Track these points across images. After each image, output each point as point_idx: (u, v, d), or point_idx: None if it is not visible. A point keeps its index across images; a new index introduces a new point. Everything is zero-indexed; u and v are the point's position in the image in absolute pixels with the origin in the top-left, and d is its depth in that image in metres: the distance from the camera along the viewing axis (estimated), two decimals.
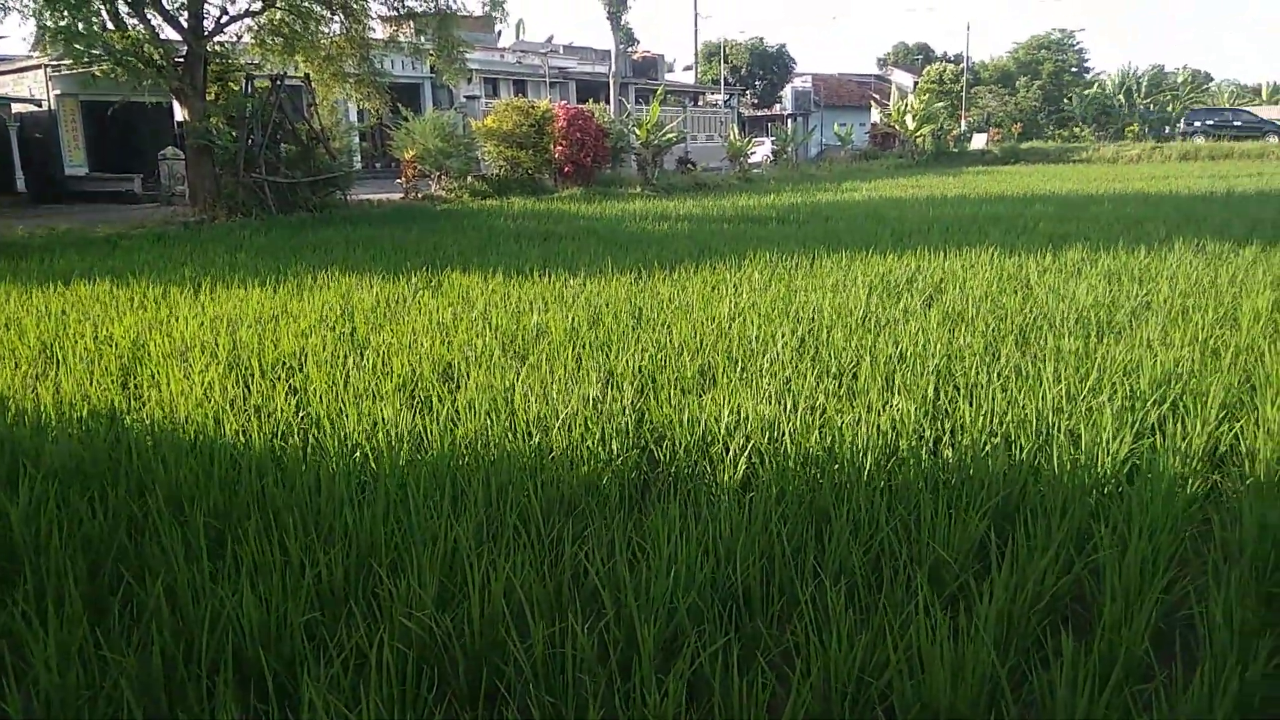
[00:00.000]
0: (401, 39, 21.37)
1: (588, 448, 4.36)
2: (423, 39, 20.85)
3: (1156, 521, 3.39)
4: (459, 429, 4.71)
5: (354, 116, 28.83)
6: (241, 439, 4.67)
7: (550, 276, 9.47)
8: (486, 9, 20.11)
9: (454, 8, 19.83)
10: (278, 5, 18.83)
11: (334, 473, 4.12)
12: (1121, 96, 69.33)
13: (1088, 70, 78.45)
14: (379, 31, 21.84)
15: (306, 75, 20.56)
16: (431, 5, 19.72)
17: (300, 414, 5.08)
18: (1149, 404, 4.83)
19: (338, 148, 21.36)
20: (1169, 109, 70.07)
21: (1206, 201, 18.07)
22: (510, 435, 4.60)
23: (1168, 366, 5.42)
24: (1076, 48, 78.46)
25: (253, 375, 5.85)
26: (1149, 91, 69.80)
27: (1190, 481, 3.88)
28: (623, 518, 3.70)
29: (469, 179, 24.52)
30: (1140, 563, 3.07)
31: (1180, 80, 73.87)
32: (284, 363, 6.24)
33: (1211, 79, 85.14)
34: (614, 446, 4.36)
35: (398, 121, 24.31)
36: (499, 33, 36.62)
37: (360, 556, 3.40)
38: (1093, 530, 3.40)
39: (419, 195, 23.53)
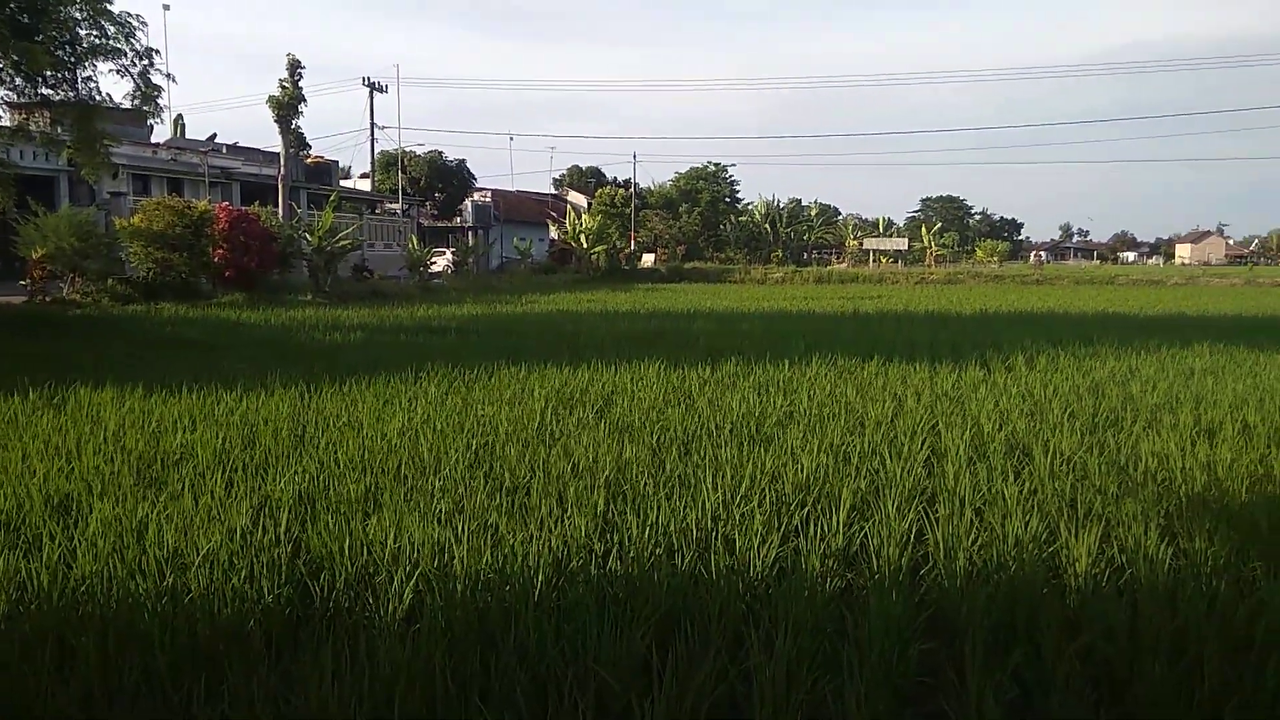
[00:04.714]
0: (33, 128, 19.16)
1: (233, 587, 3.92)
2: (59, 129, 18.85)
3: (800, 622, 3.62)
4: (74, 572, 4.06)
5: None
6: None
7: (201, 391, 8.66)
8: (137, 103, 18.61)
9: (98, 99, 18.16)
10: None
11: None
12: (767, 225, 78.05)
13: (739, 200, 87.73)
14: (5, 118, 19.48)
15: None
16: (71, 95, 17.91)
17: None
18: (793, 507, 5.24)
19: None
20: (805, 237, 79.86)
21: (838, 320, 20.54)
22: (138, 577, 4.03)
23: (808, 471, 5.94)
24: (729, 180, 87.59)
25: None
26: (789, 221, 79.27)
27: (829, 580, 4.21)
28: (268, 666, 3.32)
29: (110, 282, 22.23)
30: (787, 665, 3.24)
31: (814, 213, 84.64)
32: None
33: (839, 213, 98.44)
34: (264, 584, 3.96)
35: (25, 217, 21.61)
36: (152, 127, 34.07)
37: None
38: (745, 635, 3.55)
39: (47, 299, 20.89)
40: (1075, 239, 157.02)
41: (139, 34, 18.10)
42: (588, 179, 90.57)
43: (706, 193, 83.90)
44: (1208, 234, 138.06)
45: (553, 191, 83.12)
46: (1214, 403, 8.80)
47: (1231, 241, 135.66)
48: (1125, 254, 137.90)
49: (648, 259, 61.85)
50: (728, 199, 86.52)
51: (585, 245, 50.19)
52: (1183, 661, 3.38)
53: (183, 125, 47.41)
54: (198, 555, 4.21)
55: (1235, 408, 8.50)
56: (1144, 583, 4.13)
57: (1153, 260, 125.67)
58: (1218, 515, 5.08)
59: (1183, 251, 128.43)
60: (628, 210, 70.52)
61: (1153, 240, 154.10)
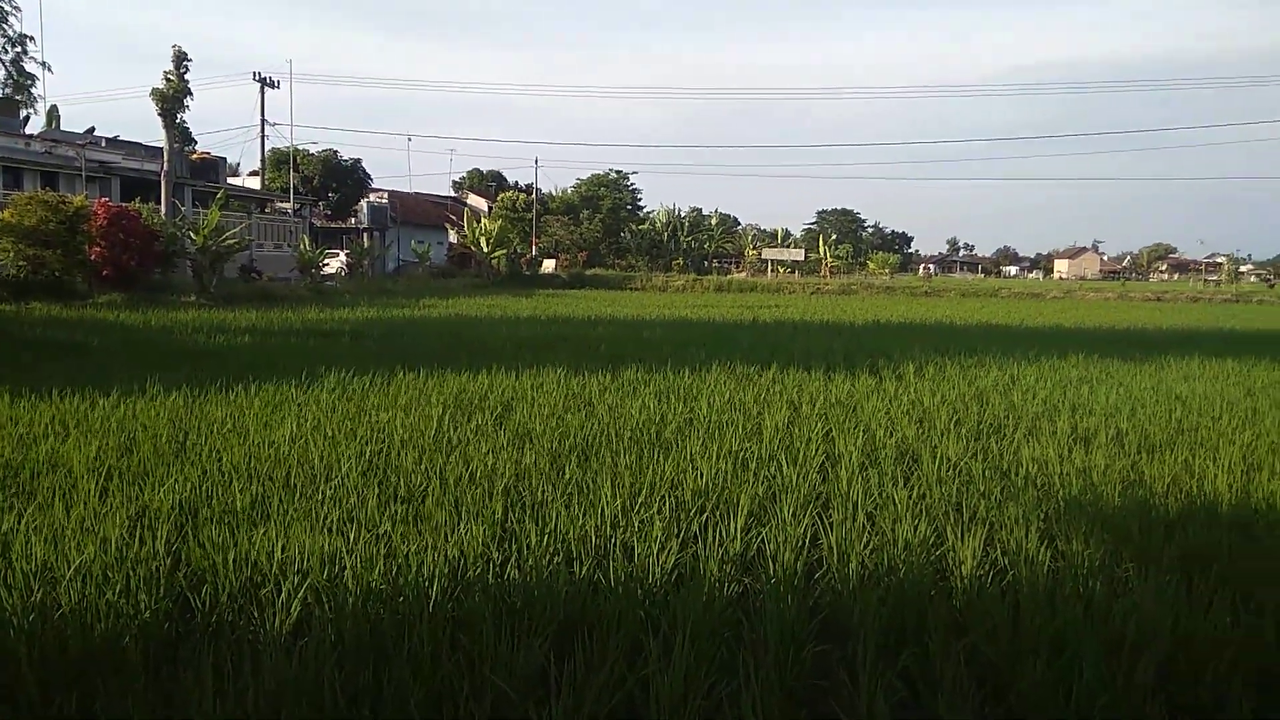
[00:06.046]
0: None
1: (107, 601, 3.71)
2: None
3: (698, 628, 3.63)
4: None
5: None
6: None
7: (74, 396, 8.20)
8: (8, 92, 17.57)
9: None
10: None
11: None
12: (668, 234, 78.65)
13: (641, 208, 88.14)
14: None
15: None
16: None
17: None
18: (692, 514, 5.27)
19: None
20: (706, 246, 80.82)
21: (737, 328, 20.83)
22: (3, 592, 3.78)
23: (708, 477, 5.99)
24: (631, 187, 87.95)
25: None
26: (690, 230, 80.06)
27: (726, 586, 4.25)
28: (145, 683, 3.16)
29: None
30: (684, 671, 3.24)
31: (714, 223, 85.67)
32: None
33: (739, 223, 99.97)
34: (141, 597, 3.76)
35: None
36: (26, 117, 32.21)
37: None
38: (643, 643, 3.55)
39: None
40: (961, 253, 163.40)
41: (11, 19, 17.21)
42: (489, 182, 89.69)
43: (608, 199, 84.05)
44: (1084, 250, 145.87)
45: (452, 194, 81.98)
46: (1089, 411, 9.25)
47: (1106, 257, 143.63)
48: (1007, 268, 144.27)
49: (549, 265, 61.55)
50: (629, 206, 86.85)
51: (486, 249, 49.66)
52: (1061, 660, 3.53)
53: (58, 117, 44.90)
54: (69, 568, 3.98)
55: (1109, 416, 8.95)
56: (1025, 584, 4.29)
57: (1033, 275, 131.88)
58: (1093, 519, 5.34)
59: (1061, 267, 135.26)
60: (529, 215, 70.11)
61: (1033, 255, 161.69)
